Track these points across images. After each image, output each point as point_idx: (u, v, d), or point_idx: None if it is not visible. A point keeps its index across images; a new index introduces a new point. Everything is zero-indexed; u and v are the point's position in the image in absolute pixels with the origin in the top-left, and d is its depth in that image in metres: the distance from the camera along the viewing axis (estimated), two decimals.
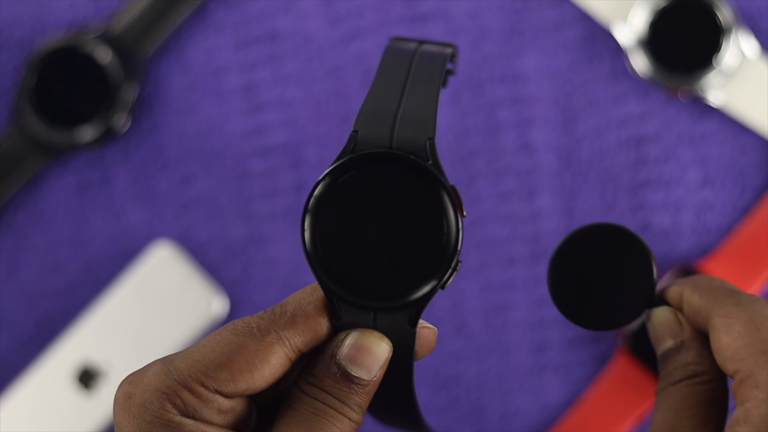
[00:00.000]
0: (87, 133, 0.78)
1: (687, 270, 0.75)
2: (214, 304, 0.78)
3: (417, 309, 0.45)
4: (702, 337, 0.48)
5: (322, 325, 0.45)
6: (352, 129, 0.45)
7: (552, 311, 0.77)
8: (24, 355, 0.79)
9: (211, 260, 0.79)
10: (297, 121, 0.79)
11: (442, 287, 0.45)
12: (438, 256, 0.44)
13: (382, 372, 0.45)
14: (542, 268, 0.77)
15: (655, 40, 0.76)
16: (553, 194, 0.77)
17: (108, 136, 0.78)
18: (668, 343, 0.48)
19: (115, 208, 0.79)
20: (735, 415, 0.44)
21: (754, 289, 0.75)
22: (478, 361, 0.78)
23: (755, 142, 0.77)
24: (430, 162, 0.44)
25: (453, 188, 0.44)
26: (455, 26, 0.78)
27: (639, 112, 0.77)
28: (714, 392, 0.47)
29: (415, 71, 0.47)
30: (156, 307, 0.78)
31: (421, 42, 0.49)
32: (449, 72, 0.48)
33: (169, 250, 0.78)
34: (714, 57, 0.76)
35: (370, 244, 0.44)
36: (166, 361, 0.45)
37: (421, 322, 0.46)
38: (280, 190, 0.79)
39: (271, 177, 0.79)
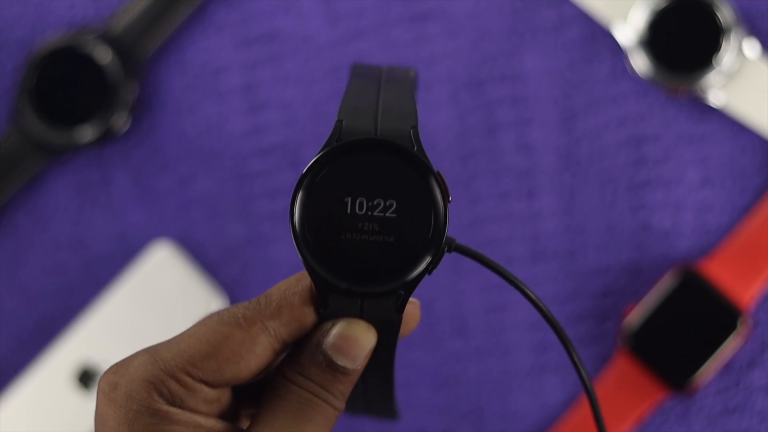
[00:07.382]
0: (87, 133, 0.78)
1: (687, 270, 0.75)
2: (213, 305, 0.78)
3: (404, 295, 0.45)
4: None
5: (308, 316, 0.46)
6: (336, 119, 0.45)
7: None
8: (24, 355, 0.79)
9: (210, 260, 0.79)
10: (296, 121, 0.79)
11: (429, 272, 0.45)
12: (425, 241, 0.44)
13: (367, 360, 0.46)
14: (542, 268, 0.77)
15: (655, 40, 0.76)
16: (552, 194, 0.77)
17: (108, 136, 0.78)
18: None
19: (115, 208, 0.79)
20: None
21: (754, 289, 0.75)
22: (478, 361, 0.77)
23: (755, 142, 0.77)
24: (416, 148, 0.44)
25: (438, 174, 0.45)
26: (455, 26, 0.78)
27: (639, 112, 0.77)
28: None
29: (386, 78, 0.48)
30: (156, 307, 0.78)
31: (385, 67, 0.50)
32: None
33: (169, 250, 0.78)
34: (714, 57, 0.76)
35: (358, 231, 0.44)
36: (151, 352, 0.46)
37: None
38: (280, 190, 0.79)
39: (270, 177, 0.79)
